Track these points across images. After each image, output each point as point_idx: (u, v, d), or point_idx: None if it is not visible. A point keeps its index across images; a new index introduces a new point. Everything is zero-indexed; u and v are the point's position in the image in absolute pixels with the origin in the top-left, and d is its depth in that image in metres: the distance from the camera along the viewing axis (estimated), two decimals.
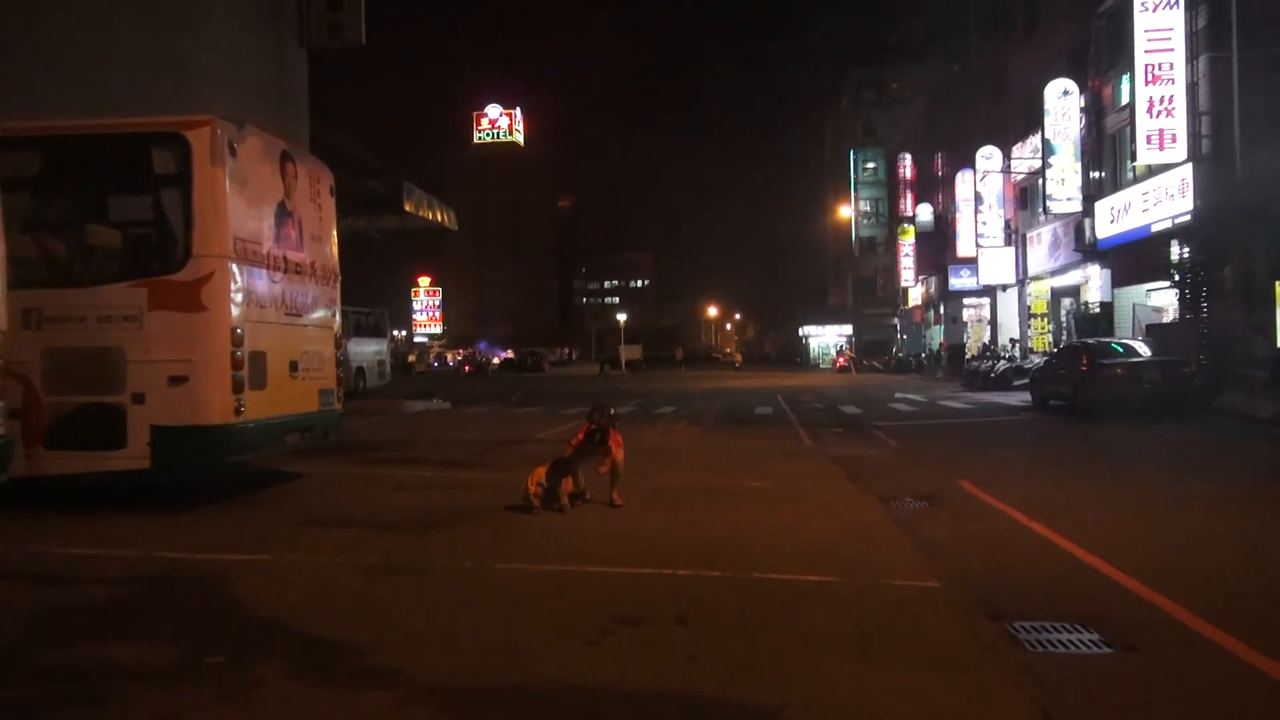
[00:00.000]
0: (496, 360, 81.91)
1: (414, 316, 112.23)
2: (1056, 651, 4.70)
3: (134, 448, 7.99)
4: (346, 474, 11.14)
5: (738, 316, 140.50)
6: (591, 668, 4.38)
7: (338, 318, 10.18)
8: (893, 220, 55.92)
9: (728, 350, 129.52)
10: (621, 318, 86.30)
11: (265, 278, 8.70)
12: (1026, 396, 23.05)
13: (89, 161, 8.58)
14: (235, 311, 8.22)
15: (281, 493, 9.77)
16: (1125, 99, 23.87)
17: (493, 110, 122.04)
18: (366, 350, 31.15)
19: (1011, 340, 34.12)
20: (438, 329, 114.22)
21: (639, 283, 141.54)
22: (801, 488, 9.94)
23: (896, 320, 59.69)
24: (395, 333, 79.70)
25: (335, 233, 10.25)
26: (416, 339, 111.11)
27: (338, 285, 10.24)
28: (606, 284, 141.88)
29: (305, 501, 9.22)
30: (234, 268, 8.24)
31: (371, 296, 44.24)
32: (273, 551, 6.88)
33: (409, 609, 5.39)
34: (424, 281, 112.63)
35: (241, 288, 8.31)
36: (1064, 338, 29.52)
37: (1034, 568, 6.45)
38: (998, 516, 8.27)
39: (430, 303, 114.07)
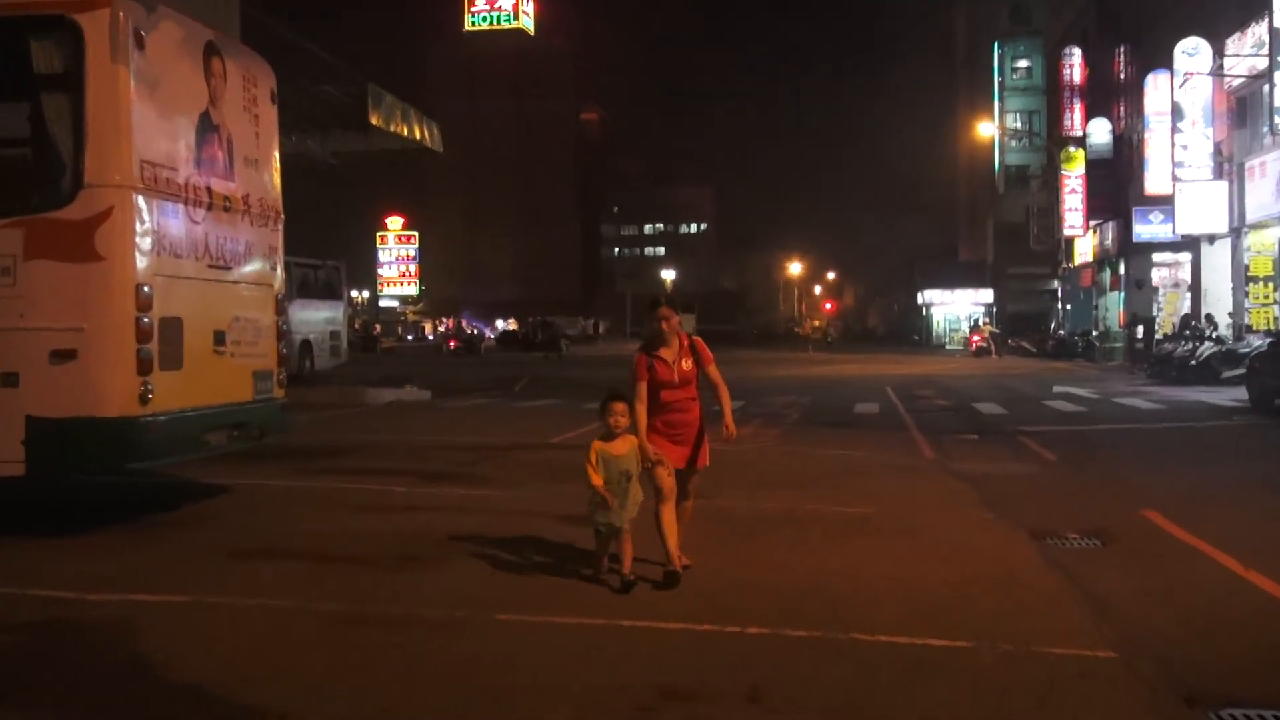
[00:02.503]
0: (491, 336, 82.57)
1: (380, 272, 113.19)
2: None
3: (3, 448, 8.18)
4: (290, 489, 11.34)
5: (831, 276, 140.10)
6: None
7: (280, 271, 10.36)
8: (1053, 142, 55.33)
9: (816, 323, 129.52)
10: (668, 276, 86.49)
11: (183, 216, 8.87)
12: (1240, 393, 22.82)
13: None
14: (142, 262, 8.38)
15: (203, 513, 9.96)
16: None
17: None
18: (315, 318, 31.59)
19: (1207, 319, 33.63)
20: (412, 289, 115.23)
21: (693, 228, 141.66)
22: (920, 517, 9.96)
23: (1057, 284, 59.17)
24: (354, 294, 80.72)
25: (277, 155, 10.40)
26: (383, 302, 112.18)
27: (280, 227, 10.41)
28: (647, 229, 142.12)
29: (236, 525, 9.39)
30: (140, 201, 8.39)
31: (323, 244, 44.81)
32: (194, 591, 7.04)
33: (382, 674, 5.48)
34: (394, 224, 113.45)
35: (151, 229, 8.48)
36: None
37: (1251, 635, 6.40)
38: (1199, 562, 8.23)
39: (402, 253, 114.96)
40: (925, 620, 6.50)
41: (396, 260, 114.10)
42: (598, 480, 7.11)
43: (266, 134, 10.19)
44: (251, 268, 9.87)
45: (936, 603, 6.94)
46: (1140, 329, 38.11)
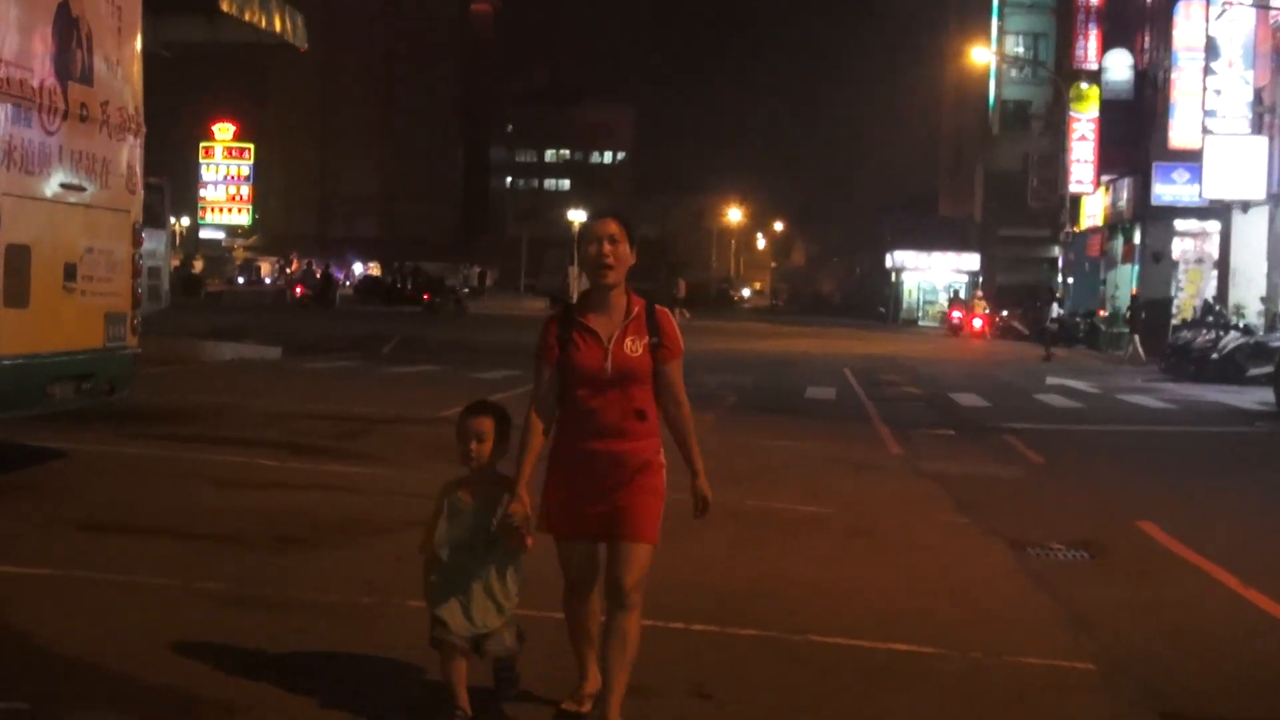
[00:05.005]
0: (348, 284, 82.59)
1: (202, 194, 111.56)
2: None
3: None
4: (137, 456, 12.04)
5: (779, 227, 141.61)
6: None
7: (139, 195, 10.98)
8: (1062, 76, 56.77)
9: (757, 286, 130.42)
10: (575, 218, 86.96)
11: (36, 126, 9.48)
12: (1267, 394, 24.23)
13: None
14: None
15: (37, 480, 10.62)
16: None
17: None
18: None
19: (1232, 308, 35.27)
20: (243, 218, 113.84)
21: (606, 157, 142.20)
22: (883, 519, 10.98)
23: (1058, 251, 60.58)
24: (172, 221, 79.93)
25: (140, 53, 11.02)
26: (205, 233, 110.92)
27: (141, 141, 11.05)
28: (549, 156, 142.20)
29: (82, 495, 10.10)
30: None
31: None
32: (52, 565, 7.78)
33: (285, 657, 6.29)
34: (223, 132, 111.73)
35: (1, 138, 9.09)
36: None
37: (1244, 654, 7.47)
38: (1195, 578, 9.33)
39: (233, 171, 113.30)
40: (888, 626, 7.44)
41: (225, 180, 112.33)
42: (430, 541, 5.57)
43: (129, 29, 10.78)
44: (108, 189, 10.47)
45: (901, 609, 7.90)
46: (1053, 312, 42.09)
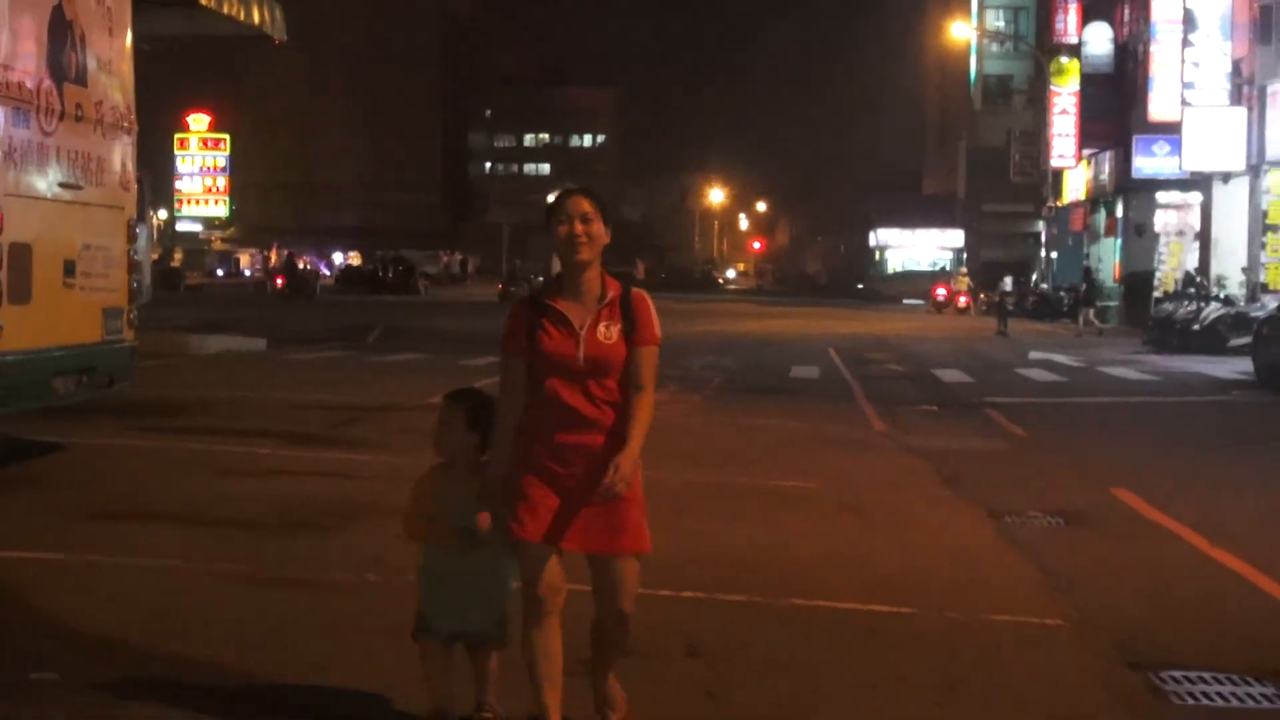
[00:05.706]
0: (328, 273, 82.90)
1: (178, 185, 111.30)
2: (1211, 705, 6.14)
3: None
4: (136, 448, 12.44)
5: (761, 207, 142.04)
6: (579, 706, 5.71)
7: (133, 191, 11.38)
8: (1042, 50, 57.17)
9: (742, 267, 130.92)
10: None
11: (34, 126, 9.87)
12: (1246, 365, 24.69)
13: None
14: None
15: (40, 473, 11.04)
16: None
17: None
18: None
19: (1214, 279, 35.76)
20: (220, 209, 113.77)
21: (587, 140, 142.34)
22: (869, 493, 11.40)
23: (1041, 226, 61.04)
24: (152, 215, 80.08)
25: (130, 51, 11.42)
26: (182, 225, 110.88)
27: (133, 139, 11.44)
28: (528, 140, 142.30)
29: (87, 486, 10.51)
30: None
31: None
32: (67, 551, 8.20)
33: (304, 631, 6.72)
34: (197, 123, 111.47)
35: (1, 140, 9.47)
36: None
37: (1209, 611, 7.91)
38: (1166, 541, 9.80)
39: (209, 162, 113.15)
40: (870, 590, 7.90)
41: (201, 171, 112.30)
42: (415, 525, 5.46)
43: (119, 28, 11.19)
44: (103, 187, 10.90)
45: (883, 575, 8.35)
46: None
